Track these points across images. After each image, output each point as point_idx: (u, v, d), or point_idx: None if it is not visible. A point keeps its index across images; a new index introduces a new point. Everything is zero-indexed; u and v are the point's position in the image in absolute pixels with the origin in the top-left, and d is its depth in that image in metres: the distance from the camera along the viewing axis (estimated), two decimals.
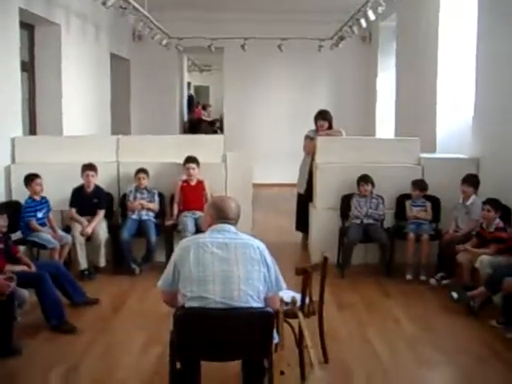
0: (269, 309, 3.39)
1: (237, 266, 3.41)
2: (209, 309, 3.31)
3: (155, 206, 6.94)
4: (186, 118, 16.33)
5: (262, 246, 3.56)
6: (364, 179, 6.87)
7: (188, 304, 3.37)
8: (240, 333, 3.31)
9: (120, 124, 12.11)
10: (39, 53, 8.68)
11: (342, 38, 11.63)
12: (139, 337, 4.94)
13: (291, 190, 11.19)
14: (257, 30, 12.21)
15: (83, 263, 6.56)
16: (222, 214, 3.59)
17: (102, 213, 6.80)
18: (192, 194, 6.94)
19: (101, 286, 6.27)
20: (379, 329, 5.19)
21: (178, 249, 3.60)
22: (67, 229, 6.71)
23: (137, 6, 9.03)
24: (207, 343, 3.34)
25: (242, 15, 12.63)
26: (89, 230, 6.56)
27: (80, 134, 9.07)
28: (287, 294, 4.02)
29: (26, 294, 4.90)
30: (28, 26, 8.41)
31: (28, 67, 8.42)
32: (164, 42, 11.61)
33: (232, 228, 3.60)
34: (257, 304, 3.40)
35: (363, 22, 9.68)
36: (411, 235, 6.59)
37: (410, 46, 10.17)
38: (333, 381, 4.18)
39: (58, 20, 8.69)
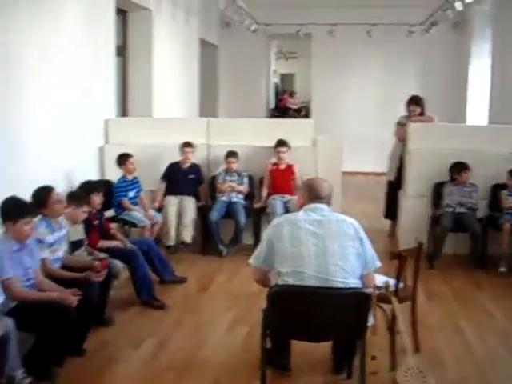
0: (366, 290, 3.35)
1: (331, 241, 3.42)
2: (304, 286, 3.30)
3: (245, 188, 6.97)
4: (272, 105, 16.34)
5: (357, 224, 3.55)
6: (463, 166, 6.62)
7: (283, 280, 3.37)
8: (335, 312, 3.28)
9: (207, 109, 12.22)
10: (131, 38, 8.88)
11: (434, 24, 11.28)
12: (226, 316, 4.99)
13: (376, 179, 11.02)
14: (345, 15, 12.03)
15: (171, 240, 6.70)
16: (314, 193, 3.64)
17: (203, 187, 7.08)
18: (281, 178, 6.92)
19: (189, 266, 6.36)
20: (471, 320, 5.01)
21: (270, 226, 3.63)
22: (158, 208, 6.84)
23: None
24: (301, 321, 3.33)
25: (330, 1, 12.42)
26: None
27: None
28: (380, 279, 3.95)
29: (120, 265, 5.04)
30: (121, 12, 8.60)
31: (121, 51, 8.62)
32: (252, 27, 11.62)
33: (325, 207, 3.60)
34: (353, 280, 3.38)
35: (459, 6, 9.32)
36: (507, 226, 6.30)
37: (509, 31, 9.70)
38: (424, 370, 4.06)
39: (150, 5, 8.81)
